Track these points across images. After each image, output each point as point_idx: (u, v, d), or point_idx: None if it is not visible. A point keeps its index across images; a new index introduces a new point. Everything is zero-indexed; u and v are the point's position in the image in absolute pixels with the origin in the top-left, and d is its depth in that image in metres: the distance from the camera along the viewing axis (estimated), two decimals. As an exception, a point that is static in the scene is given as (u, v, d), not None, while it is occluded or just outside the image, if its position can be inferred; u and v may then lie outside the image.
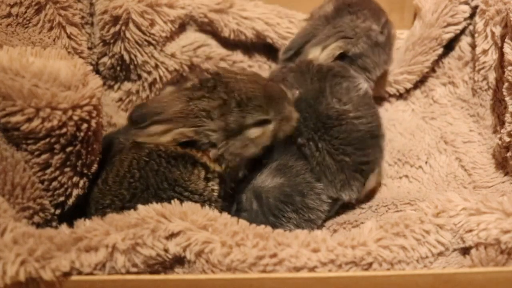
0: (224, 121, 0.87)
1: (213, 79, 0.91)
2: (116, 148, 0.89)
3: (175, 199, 0.75)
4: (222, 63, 1.23)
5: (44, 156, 0.74)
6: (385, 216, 1.00)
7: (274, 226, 0.79)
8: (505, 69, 0.99)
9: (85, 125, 0.74)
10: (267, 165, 0.95)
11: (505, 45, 1.00)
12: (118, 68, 1.18)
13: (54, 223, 0.79)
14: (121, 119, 1.18)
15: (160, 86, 1.20)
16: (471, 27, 1.20)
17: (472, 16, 1.20)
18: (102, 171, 0.85)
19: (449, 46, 1.23)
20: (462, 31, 1.22)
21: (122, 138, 0.89)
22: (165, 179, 0.84)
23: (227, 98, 0.88)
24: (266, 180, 0.94)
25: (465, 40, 1.22)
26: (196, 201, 0.81)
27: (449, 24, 1.20)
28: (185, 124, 0.86)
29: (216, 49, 1.23)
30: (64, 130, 0.72)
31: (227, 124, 0.88)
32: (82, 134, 0.74)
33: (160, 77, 1.19)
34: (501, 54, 1.05)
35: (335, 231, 0.98)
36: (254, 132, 0.90)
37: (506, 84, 1.00)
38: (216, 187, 0.89)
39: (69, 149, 0.74)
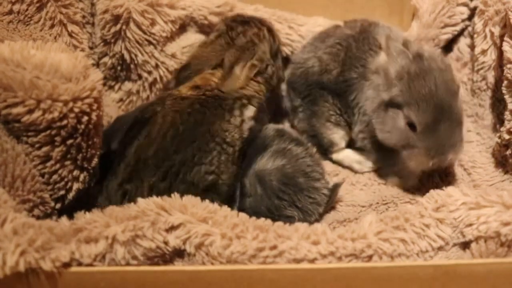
0: (269, 44, 1.05)
1: (241, 16, 1.12)
2: (147, 114, 0.94)
3: (214, 152, 0.89)
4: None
5: (44, 149, 0.74)
6: (385, 215, 1.00)
7: (280, 210, 0.80)
8: (504, 67, 0.99)
9: (85, 118, 0.74)
10: (267, 150, 0.97)
11: (504, 43, 1.00)
12: (119, 68, 1.18)
13: (54, 217, 0.79)
14: (121, 119, 1.19)
15: (161, 86, 1.20)
16: (469, 29, 1.21)
17: (470, 17, 1.21)
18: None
19: (448, 47, 1.24)
20: (461, 33, 1.23)
21: (154, 102, 0.97)
22: (207, 130, 0.91)
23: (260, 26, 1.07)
24: (267, 163, 0.95)
25: (463, 42, 1.22)
26: (229, 155, 0.91)
27: (446, 25, 1.21)
28: (248, 57, 1.01)
29: (216, 50, 1.23)
30: (64, 122, 0.72)
31: (271, 47, 1.05)
32: (82, 126, 0.74)
33: (161, 77, 1.19)
34: (500, 54, 1.05)
35: (334, 229, 0.98)
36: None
37: (505, 82, 1.00)
38: (245, 134, 0.96)
39: (69, 141, 0.74)
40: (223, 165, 0.90)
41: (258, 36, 1.06)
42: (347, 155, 1.15)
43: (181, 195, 0.75)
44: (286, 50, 1.22)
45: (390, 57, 0.96)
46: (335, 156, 1.15)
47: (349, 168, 1.14)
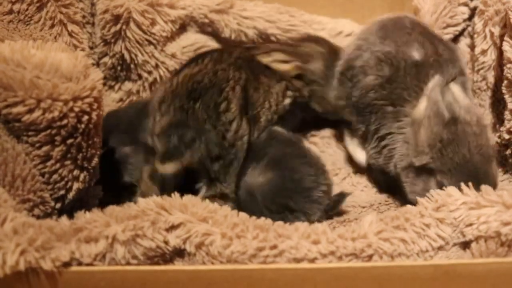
0: (325, 66, 1.09)
1: (317, 36, 1.16)
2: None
3: None
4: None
5: (44, 148, 0.74)
6: (386, 214, 1.00)
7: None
8: (504, 67, 0.99)
9: (86, 117, 0.74)
10: (261, 157, 0.96)
11: (504, 43, 1.00)
12: (119, 68, 1.18)
13: (54, 217, 0.78)
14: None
15: (161, 86, 1.20)
16: (469, 29, 1.21)
17: (470, 17, 1.20)
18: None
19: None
20: (461, 33, 1.23)
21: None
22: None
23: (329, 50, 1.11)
24: (258, 176, 0.94)
25: (463, 42, 1.22)
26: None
27: (448, 25, 1.20)
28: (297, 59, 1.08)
29: (217, 50, 1.24)
30: (65, 121, 0.72)
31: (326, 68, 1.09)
32: (83, 126, 0.74)
33: (161, 77, 1.19)
34: (500, 54, 1.05)
35: (334, 228, 0.98)
36: None
37: (505, 82, 1.00)
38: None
39: (69, 141, 0.74)
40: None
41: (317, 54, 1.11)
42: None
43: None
44: (290, 36, 1.21)
45: (426, 115, 0.90)
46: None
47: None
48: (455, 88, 0.95)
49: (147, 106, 0.99)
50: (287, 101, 1.08)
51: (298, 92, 1.11)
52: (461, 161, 0.87)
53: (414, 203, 0.81)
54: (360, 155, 1.09)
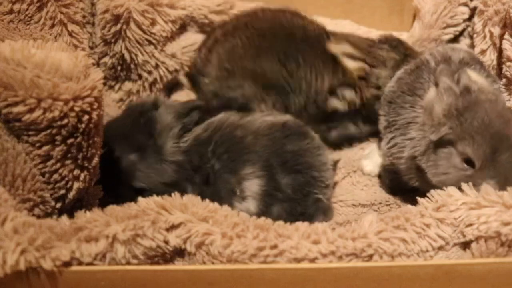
0: (393, 73, 1.06)
1: (397, 40, 1.12)
2: None
3: None
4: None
5: (45, 148, 0.74)
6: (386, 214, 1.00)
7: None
8: (504, 65, 1.00)
9: (86, 117, 0.74)
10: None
11: (504, 41, 1.00)
12: (119, 67, 1.18)
13: (54, 217, 0.78)
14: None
15: (161, 86, 1.20)
16: (469, 29, 1.21)
17: (470, 18, 1.21)
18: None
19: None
20: (461, 33, 1.23)
21: None
22: None
23: (403, 58, 1.08)
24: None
25: (463, 42, 1.23)
26: None
27: (448, 26, 1.21)
28: (367, 62, 1.07)
29: (216, 50, 1.24)
30: (65, 121, 0.72)
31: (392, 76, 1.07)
32: (83, 125, 0.74)
33: (161, 77, 1.19)
34: (499, 54, 1.06)
35: (334, 229, 0.98)
36: None
37: (504, 80, 1.01)
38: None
39: (70, 141, 0.74)
40: None
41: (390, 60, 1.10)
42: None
43: None
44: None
45: (438, 94, 0.90)
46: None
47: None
48: (471, 72, 0.94)
49: (144, 111, 0.99)
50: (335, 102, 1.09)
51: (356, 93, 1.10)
52: (481, 125, 0.85)
53: (441, 186, 0.80)
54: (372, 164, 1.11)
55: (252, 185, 0.93)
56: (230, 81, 1.04)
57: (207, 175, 0.94)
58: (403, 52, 1.10)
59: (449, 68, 0.93)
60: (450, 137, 0.86)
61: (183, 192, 0.78)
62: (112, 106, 1.21)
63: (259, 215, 0.90)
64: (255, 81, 1.04)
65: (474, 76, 0.92)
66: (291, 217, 0.91)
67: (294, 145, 0.96)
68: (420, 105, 0.94)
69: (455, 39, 1.23)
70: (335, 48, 1.07)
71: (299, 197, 0.93)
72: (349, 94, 1.08)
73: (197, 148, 0.96)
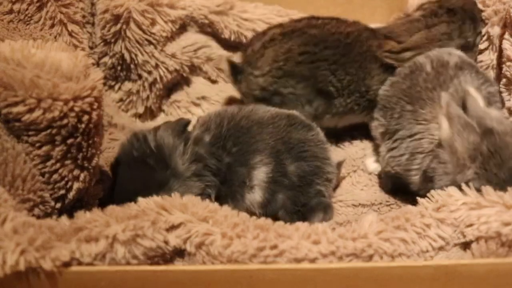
0: (464, 39, 1.06)
1: (448, 7, 1.09)
2: None
3: None
4: (222, 65, 1.24)
5: (45, 148, 0.74)
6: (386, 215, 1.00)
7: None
8: (503, 65, 1.00)
9: (86, 117, 0.74)
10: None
11: (504, 41, 1.00)
12: (119, 67, 1.18)
13: (54, 217, 0.78)
14: (121, 119, 1.19)
15: (161, 86, 1.20)
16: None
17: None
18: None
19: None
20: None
21: None
22: None
23: (465, 18, 1.07)
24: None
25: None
26: None
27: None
28: (430, 49, 1.03)
29: (217, 50, 1.24)
30: (65, 121, 0.72)
31: (467, 41, 1.07)
32: (83, 126, 0.74)
33: (161, 77, 1.19)
34: (499, 54, 1.06)
35: (334, 229, 0.98)
36: None
37: (503, 80, 1.01)
38: None
39: (70, 141, 0.74)
40: None
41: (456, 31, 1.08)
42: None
43: None
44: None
45: (454, 130, 0.85)
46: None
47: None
48: (479, 98, 0.91)
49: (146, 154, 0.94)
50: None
51: None
52: (508, 175, 0.81)
53: None
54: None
55: (260, 173, 0.93)
56: (283, 80, 1.07)
57: (224, 174, 0.94)
58: (461, 13, 1.09)
59: (452, 94, 0.91)
60: (475, 185, 0.79)
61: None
62: (112, 106, 1.21)
63: (264, 204, 0.92)
64: (307, 86, 1.07)
65: (492, 112, 0.89)
66: (294, 207, 0.93)
67: (299, 134, 0.97)
68: (424, 118, 0.94)
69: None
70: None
71: (303, 185, 0.94)
72: None
73: (209, 150, 0.95)
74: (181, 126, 0.96)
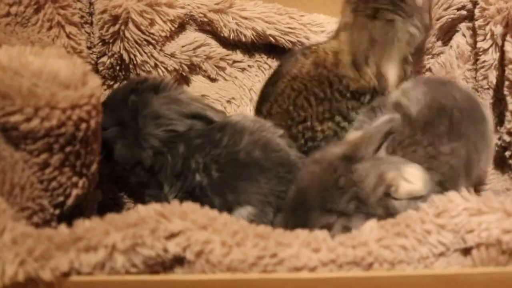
0: None
1: None
2: None
3: None
4: (222, 63, 1.23)
5: (43, 156, 0.74)
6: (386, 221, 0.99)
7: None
8: (506, 68, 0.99)
9: (84, 125, 0.73)
10: None
11: (506, 43, 0.99)
12: (118, 67, 1.18)
13: (53, 224, 0.78)
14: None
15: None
16: (470, 24, 1.20)
17: (471, 17, 1.19)
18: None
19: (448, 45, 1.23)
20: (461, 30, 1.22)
21: None
22: None
23: None
24: None
25: (464, 40, 1.21)
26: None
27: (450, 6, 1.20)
28: None
29: (216, 48, 1.23)
30: (63, 129, 0.72)
31: None
32: (81, 134, 0.74)
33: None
34: (502, 53, 1.05)
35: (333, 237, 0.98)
36: None
37: (506, 83, 1.00)
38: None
39: (68, 149, 0.74)
40: None
41: None
42: None
43: None
44: (289, 38, 1.21)
45: None
46: None
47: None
48: None
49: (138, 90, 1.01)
50: None
51: None
52: None
53: None
54: None
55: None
56: None
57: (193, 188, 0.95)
58: None
59: None
60: None
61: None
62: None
63: None
64: None
65: None
66: None
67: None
68: None
69: (455, 37, 1.22)
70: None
71: None
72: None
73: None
74: (191, 112, 0.99)
